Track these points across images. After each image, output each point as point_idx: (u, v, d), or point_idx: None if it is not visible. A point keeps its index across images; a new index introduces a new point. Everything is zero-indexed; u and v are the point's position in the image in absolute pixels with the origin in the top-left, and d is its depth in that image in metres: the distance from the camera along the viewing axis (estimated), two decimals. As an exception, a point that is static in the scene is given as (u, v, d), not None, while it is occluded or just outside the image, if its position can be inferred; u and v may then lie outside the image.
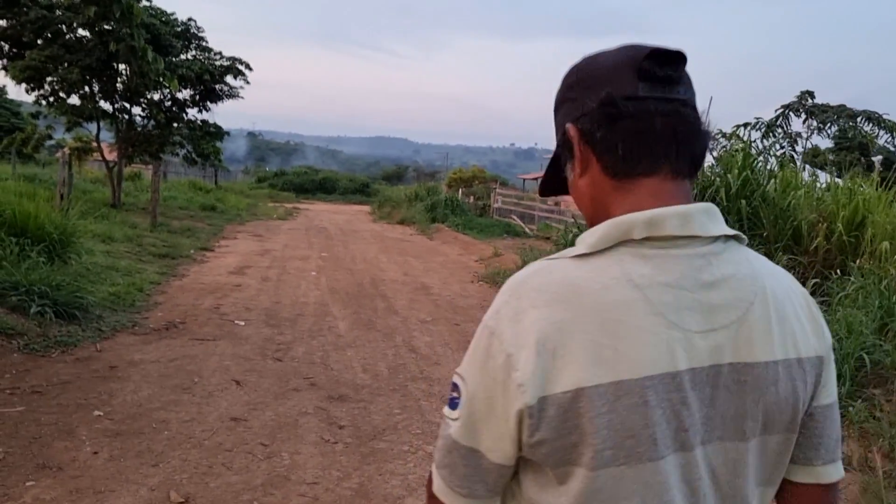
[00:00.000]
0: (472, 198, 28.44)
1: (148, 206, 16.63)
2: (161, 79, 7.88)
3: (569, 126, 1.00)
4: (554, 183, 1.13)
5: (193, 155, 20.11)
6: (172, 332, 6.99)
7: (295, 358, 6.40)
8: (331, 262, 13.42)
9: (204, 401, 5.07)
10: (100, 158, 20.00)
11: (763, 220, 9.03)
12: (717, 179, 9.79)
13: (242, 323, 7.61)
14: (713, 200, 9.68)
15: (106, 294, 8.10)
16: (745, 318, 0.93)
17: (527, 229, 23.74)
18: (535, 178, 44.35)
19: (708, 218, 0.94)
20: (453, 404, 0.96)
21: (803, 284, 3.27)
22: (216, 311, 8.18)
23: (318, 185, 39.87)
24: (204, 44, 18.50)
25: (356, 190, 40.55)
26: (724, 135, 13.05)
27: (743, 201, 9.10)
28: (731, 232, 0.96)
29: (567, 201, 30.30)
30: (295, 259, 13.41)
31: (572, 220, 23.88)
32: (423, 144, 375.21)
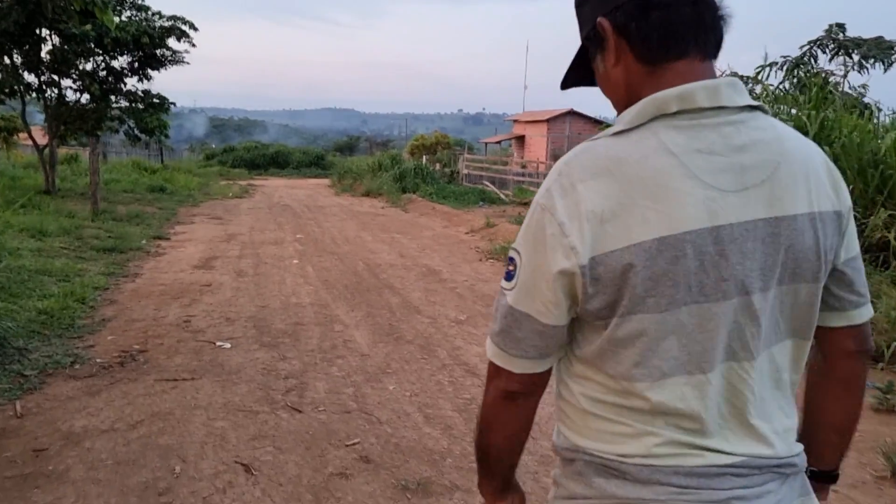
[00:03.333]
0: (437, 165, 26.23)
1: (87, 192, 14.03)
2: (90, 6, 5.57)
3: (600, 19, 1.05)
4: (575, 77, 1.19)
5: (136, 131, 17.35)
6: (130, 370, 4.77)
7: (318, 403, 4.25)
8: (310, 245, 11.18)
9: (196, 514, 2.93)
10: (29, 141, 17.14)
11: (847, 173, 7.20)
12: (787, 120, 7.89)
13: (227, 345, 5.41)
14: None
15: (34, 313, 5.79)
16: (773, 176, 0.99)
17: (501, 195, 21.74)
18: (498, 142, 42.30)
19: (734, 90, 1.00)
20: (509, 276, 1.04)
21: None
22: (186, 326, 5.95)
23: (270, 160, 36.88)
24: (140, 2, 15.72)
25: (310, 163, 37.70)
26: (743, 78, 11.17)
27: (827, 148, 7.24)
28: (756, 103, 1.02)
29: (534, 165, 28.35)
30: (268, 244, 11.12)
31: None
32: (371, 114, 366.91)
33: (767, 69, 11.29)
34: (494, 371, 1.09)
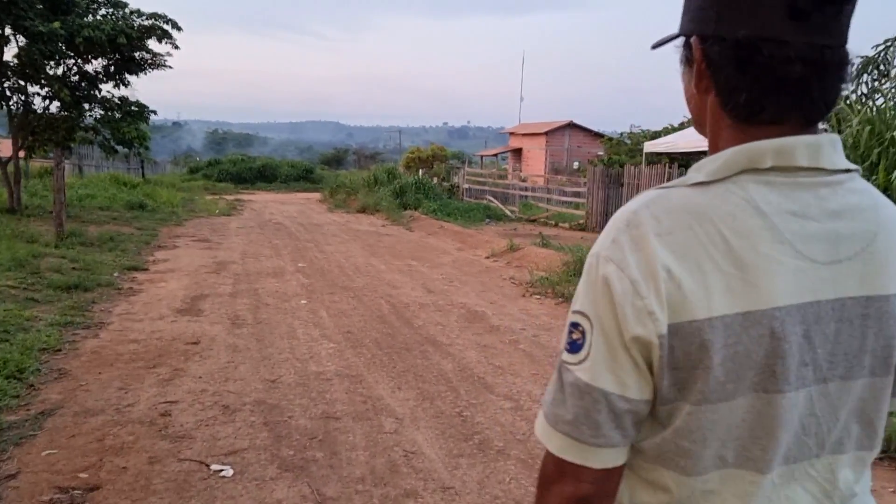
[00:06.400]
0: (436, 179, 24.28)
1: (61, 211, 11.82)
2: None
3: (694, 41, 0.86)
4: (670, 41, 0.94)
5: (112, 142, 15.17)
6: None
7: None
8: (316, 277, 9.15)
9: None
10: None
11: None
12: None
13: (228, 470, 3.36)
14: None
15: (-66, 408, 3.75)
16: (869, 248, 0.83)
17: (507, 211, 19.86)
18: (495, 155, 40.38)
19: (834, 150, 0.83)
20: (575, 347, 0.82)
21: None
22: (165, 426, 3.92)
23: (257, 174, 34.46)
24: (116, -2, 13.61)
25: (299, 176, 35.36)
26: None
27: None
28: (853, 166, 0.85)
29: (535, 180, 26.52)
30: (266, 276, 9.07)
31: (558, 196, 20.25)
32: (356, 127, 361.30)
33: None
34: (557, 471, 0.83)
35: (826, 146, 0.82)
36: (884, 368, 0.85)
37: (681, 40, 0.91)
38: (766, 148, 0.80)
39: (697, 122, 0.93)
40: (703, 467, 0.82)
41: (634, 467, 0.87)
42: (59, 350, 5.35)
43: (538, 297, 8.21)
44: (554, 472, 0.84)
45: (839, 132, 8.26)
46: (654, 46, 0.98)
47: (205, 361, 5.18)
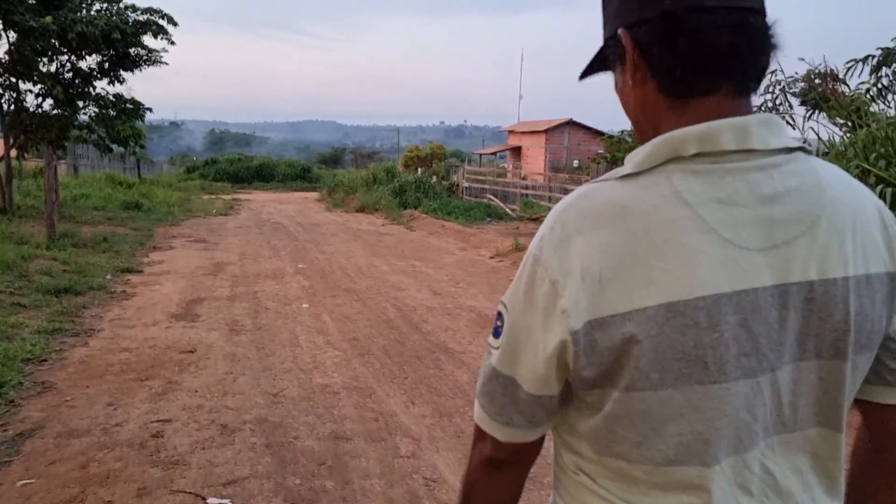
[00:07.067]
0: (435, 177, 23.84)
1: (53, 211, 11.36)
2: None
3: (621, 32, 0.84)
4: (596, 72, 0.95)
5: (106, 140, 14.69)
6: None
7: None
8: (317, 278, 8.73)
9: None
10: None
11: None
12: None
13: (227, 505, 2.98)
14: None
15: None
16: (810, 232, 0.79)
17: (508, 210, 19.45)
18: (493, 153, 39.84)
19: (768, 129, 0.80)
20: (496, 332, 0.86)
21: None
22: (155, 448, 3.51)
23: (254, 173, 33.87)
24: (110, -9, 13.12)
25: (297, 176, 34.78)
26: (833, 76, 9.01)
27: None
28: (795, 144, 0.81)
29: (535, 178, 26.12)
30: (265, 278, 8.65)
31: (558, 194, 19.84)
32: (353, 127, 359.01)
33: (860, 65, 9.15)
34: (479, 435, 0.90)
35: (755, 126, 0.79)
36: (834, 352, 0.82)
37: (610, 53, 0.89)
38: (689, 135, 0.78)
39: (636, 121, 0.89)
40: (641, 456, 0.80)
41: (582, 451, 0.87)
42: (45, 360, 4.95)
43: (550, 299, 7.81)
44: (477, 433, 0.90)
45: (860, 127, 7.89)
46: (583, 77, 0.96)
47: (201, 373, 4.77)
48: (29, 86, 13.74)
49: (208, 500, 2.94)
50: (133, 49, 13.83)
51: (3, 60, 13.17)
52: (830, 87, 9.09)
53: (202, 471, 3.26)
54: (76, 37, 12.38)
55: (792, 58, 8.55)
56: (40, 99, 13.96)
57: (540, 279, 0.79)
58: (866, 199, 0.86)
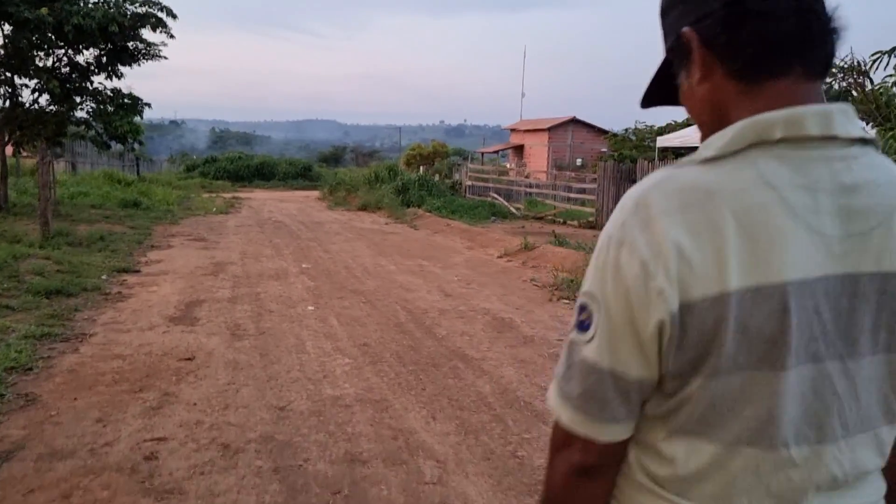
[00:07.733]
0: (438, 176, 23.42)
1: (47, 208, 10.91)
2: None
3: (685, 30, 0.84)
4: (658, 94, 0.97)
5: (104, 137, 14.24)
6: None
7: None
8: (322, 279, 8.31)
9: None
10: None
11: None
12: None
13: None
14: None
15: None
16: (886, 224, 0.79)
17: (512, 209, 19.02)
18: (495, 152, 39.36)
19: (847, 119, 0.80)
20: (584, 326, 0.81)
21: None
22: (148, 473, 3.07)
23: (254, 172, 33.38)
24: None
25: (297, 174, 34.29)
26: (858, 69, 8.60)
27: None
28: (868, 136, 0.81)
29: (538, 176, 25.71)
30: (267, 278, 8.22)
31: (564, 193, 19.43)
32: (353, 126, 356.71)
33: (886, 57, 8.74)
34: (565, 441, 0.84)
35: (837, 114, 0.79)
36: None
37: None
38: (775, 119, 0.78)
39: (701, 117, 0.87)
40: (708, 439, 0.79)
41: (642, 437, 0.84)
42: (31, 369, 4.53)
43: (566, 301, 7.38)
44: (564, 440, 0.84)
45: (886, 121, 7.52)
46: (645, 104, 0.99)
47: (200, 383, 4.35)
48: (24, 80, 13.32)
49: (208, 541, 2.52)
50: (131, 42, 13.42)
51: (-3, 55, 12.75)
52: (855, 80, 8.68)
53: (201, 501, 2.84)
54: (72, 29, 11.94)
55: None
56: (36, 94, 13.52)
57: (627, 261, 0.77)
58: None
